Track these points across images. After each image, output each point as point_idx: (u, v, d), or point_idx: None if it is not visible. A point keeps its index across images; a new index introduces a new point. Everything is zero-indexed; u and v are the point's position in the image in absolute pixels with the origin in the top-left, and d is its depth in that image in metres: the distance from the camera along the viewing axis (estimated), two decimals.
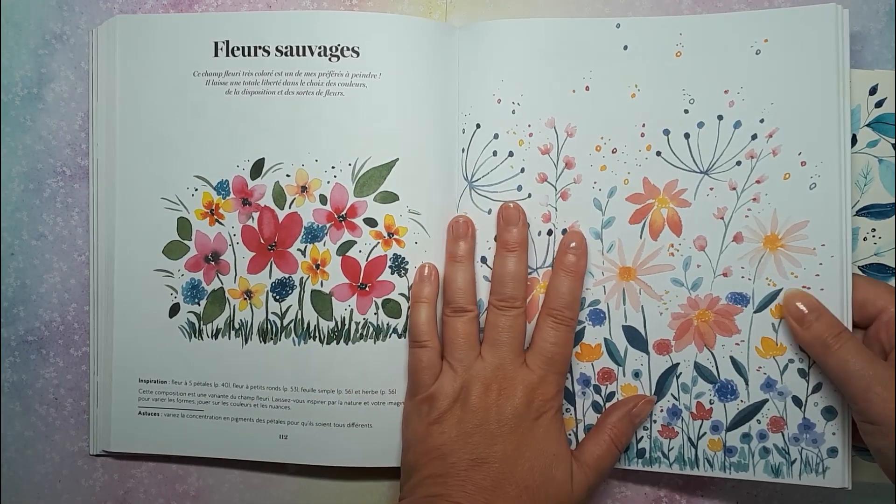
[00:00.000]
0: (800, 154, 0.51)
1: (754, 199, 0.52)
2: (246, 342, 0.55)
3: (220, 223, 0.55)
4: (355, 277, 0.54)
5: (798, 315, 0.50)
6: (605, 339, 0.54)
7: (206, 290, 0.55)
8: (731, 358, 0.53)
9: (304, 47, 0.54)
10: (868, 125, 0.53)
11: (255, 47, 0.54)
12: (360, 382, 0.54)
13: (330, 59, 0.54)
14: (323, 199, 0.54)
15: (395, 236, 0.54)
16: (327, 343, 0.54)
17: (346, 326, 0.54)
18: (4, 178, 0.58)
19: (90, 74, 0.56)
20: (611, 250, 0.54)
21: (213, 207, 0.55)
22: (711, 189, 0.52)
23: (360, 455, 0.54)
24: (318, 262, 0.54)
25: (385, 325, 0.54)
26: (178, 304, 0.55)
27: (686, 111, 0.52)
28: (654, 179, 0.53)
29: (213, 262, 0.55)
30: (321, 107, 0.54)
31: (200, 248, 0.55)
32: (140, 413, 0.56)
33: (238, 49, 0.54)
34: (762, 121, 0.52)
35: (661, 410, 0.54)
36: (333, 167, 0.54)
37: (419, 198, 0.54)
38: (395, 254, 0.54)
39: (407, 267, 0.54)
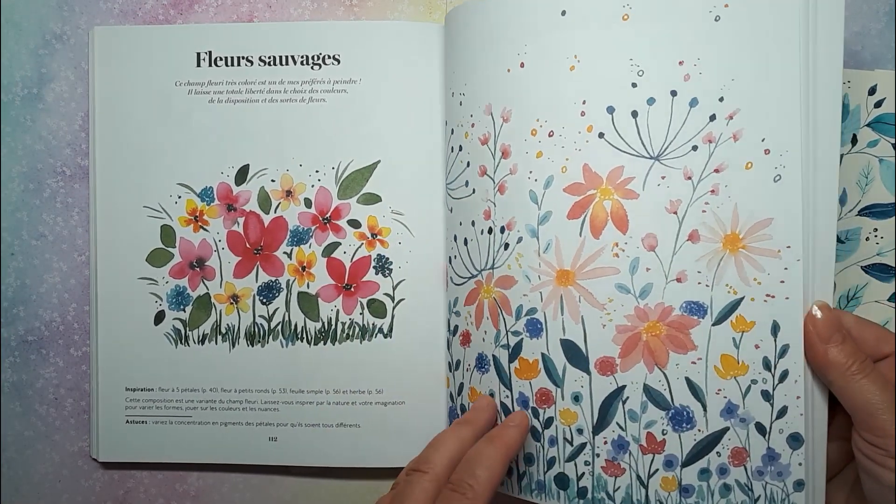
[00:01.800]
0: (763, 140, 0.44)
1: (712, 192, 0.44)
2: (233, 346, 0.57)
3: (205, 229, 0.57)
4: (340, 278, 0.56)
5: (824, 335, 0.44)
6: (543, 355, 0.48)
7: (191, 296, 0.57)
8: (687, 379, 0.45)
9: (286, 56, 0.56)
10: (868, 125, 0.53)
11: (238, 57, 0.56)
12: (347, 383, 0.56)
13: (312, 68, 0.56)
14: (308, 203, 0.56)
15: (378, 237, 0.56)
16: (314, 344, 0.56)
17: (333, 327, 0.56)
18: (4, 178, 0.59)
19: (89, 75, 0.58)
20: (547, 250, 0.47)
21: (198, 214, 0.57)
22: (663, 178, 0.45)
23: (349, 455, 0.56)
24: (304, 265, 0.56)
25: (371, 325, 0.56)
26: (163, 311, 0.57)
27: (634, 84, 0.45)
28: (595, 166, 0.46)
29: (197, 269, 0.57)
30: (304, 113, 0.56)
31: (185, 254, 0.57)
32: (128, 422, 0.58)
33: (221, 59, 0.56)
34: (721, 99, 0.44)
35: (606, 442, 0.47)
36: (317, 171, 0.56)
37: (402, 198, 0.56)
38: (378, 254, 0.56)
39: (391, 267, 0.56)
